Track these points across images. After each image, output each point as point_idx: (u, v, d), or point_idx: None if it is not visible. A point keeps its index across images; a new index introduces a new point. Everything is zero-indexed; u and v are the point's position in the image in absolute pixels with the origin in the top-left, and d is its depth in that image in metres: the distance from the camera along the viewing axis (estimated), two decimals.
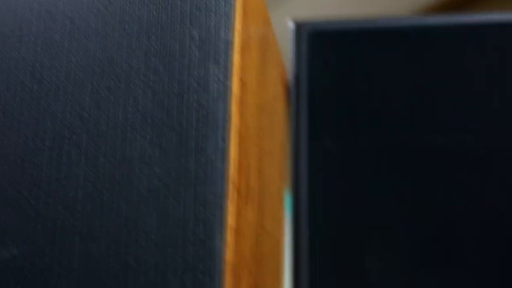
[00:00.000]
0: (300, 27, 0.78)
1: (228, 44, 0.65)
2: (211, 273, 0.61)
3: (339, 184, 0.72)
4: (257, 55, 0.71)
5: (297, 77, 0.77)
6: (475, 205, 0.69)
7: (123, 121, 0.67)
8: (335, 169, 0.72)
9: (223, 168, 0.63)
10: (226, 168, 0.63)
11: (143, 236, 0.64)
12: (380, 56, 0.75)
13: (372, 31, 0.76)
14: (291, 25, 0.79)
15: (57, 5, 0.68)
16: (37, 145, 0.67)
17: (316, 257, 0.69)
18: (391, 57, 0.75)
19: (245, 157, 0.66)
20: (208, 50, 0.65)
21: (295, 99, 0.76)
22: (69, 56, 0.68)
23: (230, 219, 0.63)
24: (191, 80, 0.65)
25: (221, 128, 0.63)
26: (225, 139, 0.63)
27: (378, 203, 0.70)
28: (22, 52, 0.68)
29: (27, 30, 0.68)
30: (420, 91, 0.73)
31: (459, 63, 0.74)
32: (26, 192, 0.66)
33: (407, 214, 0.69)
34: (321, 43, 0.77)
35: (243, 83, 0.66)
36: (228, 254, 0.62)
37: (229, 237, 0.63)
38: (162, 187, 0.64)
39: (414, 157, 0.72)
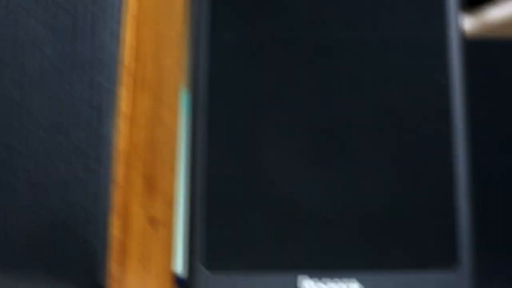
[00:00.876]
0: None
1: None
2: (102, 161, 0.60)
3: (239, 78, 0.71)
4: None
5: None
6: (371, 97, 0.69)
7: (15, 2, 0.63)
8: (234, 63, 0.71)
9: (118, 53, 0.61)
10: (120, 53, 0.61)
11: (33, 121, 0.61)
12: None
13: None
14: None
15: None
16: None
17: (213, 149, 0.69)
18: None
19: (141, 43, 0.64)
20: None
21: None
22: None
23: (124, 106, 0.62)
24: None
25: (116, 11, 0.61)
26: (120, 22, 0.61)
27: (277, 96, 0.69)
28: None
29: None
30: None
31: None
32: None
33: (306, 106, 0.69)
34: None
35: None
36: (121, 142, 0.61)
37: (122, 124, 0.61)
38: (54, 71, 0.62)
39: (315, 51, 0.71)
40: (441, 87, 0.70)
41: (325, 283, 0.65)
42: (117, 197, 0.60)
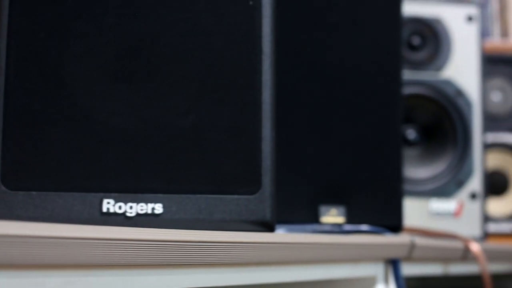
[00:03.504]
0: None
1: None
2: None
3: None
4: None
5: None
6: (180, 16, 0.68)
7: None
8: None
9: None
10: None
11: None
12: None
13: None
14: None
15: None
16: None
17: (12, 60, 0.65)
18: None
19: None
20: None
21: None
22: None
23: None
24: None
25: None
26: None
27: (84, 10, 0.66)
28: None
29: None
30: None
31: None
32: None
33: (113, 22, 0.66)
34: None
35: None
36: None
37: None
38: None
39: None
40: (249, 8, 0.70)
41: (128, 205, 0.64)
42: None
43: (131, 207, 0.64)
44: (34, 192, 0.63)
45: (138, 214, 0.64)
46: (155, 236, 0.58)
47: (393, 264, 0.93)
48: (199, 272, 0.63)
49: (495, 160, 1.54)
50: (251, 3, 0.70)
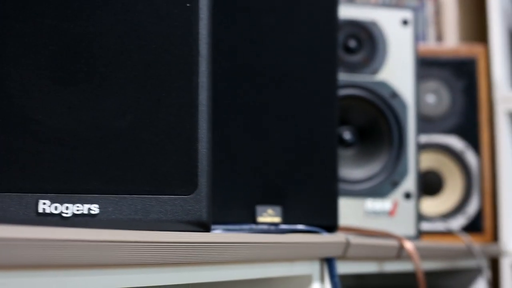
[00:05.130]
0: None
1: None
2: None
3: None
4: None
5: None
6: (119, 17, 0.68)
7: None
8: None
9: None
10: None
11: None
12: None
13: None
14: None
15: None
16: None
17: None
18: None
19: None
20: None
21: None
22: None
23: None
24: None
25: None
26: None
27: (19, 10, 0.66)
28: None
29: None
30: None
31: None
32: None
33: (50, 22, 0.66)
34: None
35: None
36: None
37: None
38: None
39: None
40: (186, 10, 0.70)
41: (64, 206, 0.64)
42: None
43: (67, 208, 0.64)
44: None
45: (74, 215, 0.64)
46: (91, 236, 0.58)
47: (329, 262, 0.94)
48: (135, 272, 0.63)
49: (429, 161, 1.57)
50: (188, 5, 0.70)
